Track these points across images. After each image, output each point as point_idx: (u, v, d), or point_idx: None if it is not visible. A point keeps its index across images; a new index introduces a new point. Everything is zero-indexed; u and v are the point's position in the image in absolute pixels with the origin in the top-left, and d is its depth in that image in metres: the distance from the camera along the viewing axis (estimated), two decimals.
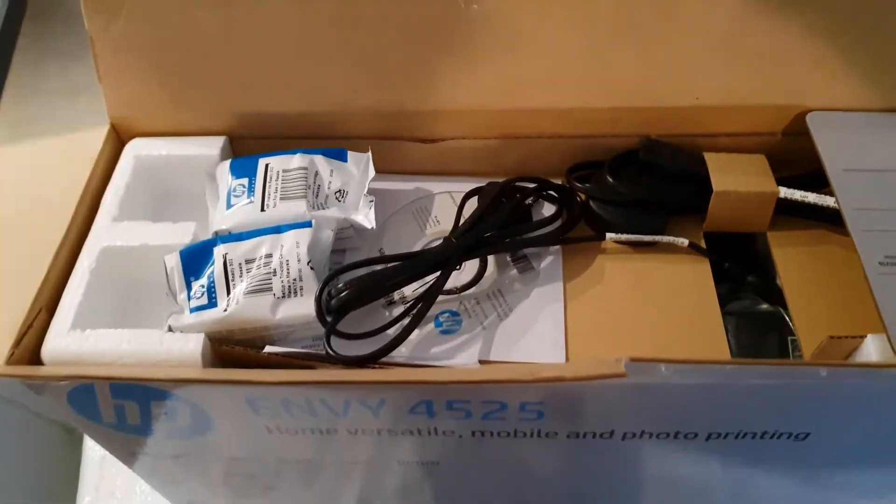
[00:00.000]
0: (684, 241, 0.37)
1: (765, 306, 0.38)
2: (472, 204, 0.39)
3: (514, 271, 0.38)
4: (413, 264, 0.35)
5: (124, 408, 0.33)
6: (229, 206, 0.36)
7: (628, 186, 0.38)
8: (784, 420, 0.31)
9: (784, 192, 0.36)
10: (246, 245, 0.34)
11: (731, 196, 0.37)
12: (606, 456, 0.35)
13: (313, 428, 0.33)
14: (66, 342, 0.33)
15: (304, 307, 0.33)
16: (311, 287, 0.34)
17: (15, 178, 0.40)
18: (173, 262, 0.34)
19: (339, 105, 0.39)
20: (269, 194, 0.36)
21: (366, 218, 0.36)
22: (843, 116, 0.37)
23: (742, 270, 0.38)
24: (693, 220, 0.38)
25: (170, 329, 0.33)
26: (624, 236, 0.37)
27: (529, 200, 0.39)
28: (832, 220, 0.36)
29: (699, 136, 0.39)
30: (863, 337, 0.30)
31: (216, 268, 0.34)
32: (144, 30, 0.37)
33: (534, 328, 0.35)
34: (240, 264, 0.34)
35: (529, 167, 0.40)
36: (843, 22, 0.35)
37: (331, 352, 0.32)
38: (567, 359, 0.34)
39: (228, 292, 0.33)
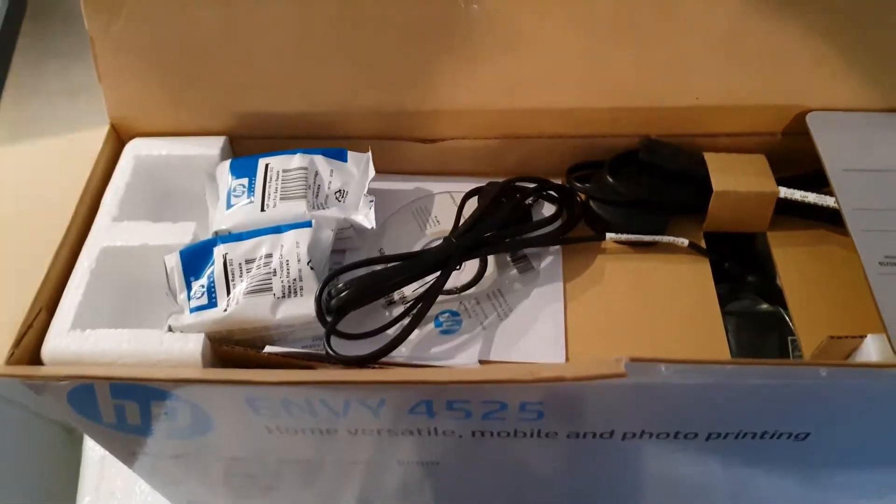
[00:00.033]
0: (684, 241, 0.37)
1: (765, 306, 0.38)
2: (472, 204, 0.39)
3: (514, 271, 0.38)
4: (413, 264, 0.35)
5: (124, 408, 0.33)
6: (229, 206, 0.36)
7: (628, 186, 0.38)
8: (784, 420, 0.31)
9: (784, 192, 0.36)
10: (246, 245, 0.34)
11: (731, 196, 0.37)
12: (606, 456, 0.35)
13: (313, 428, 0.33)
14: (66, 342, 0.33)
15: (304, 307, 0.33)
16: (311, 287, 0.34)
17: (15, 178, 0.40)
18: (173, 262, 0.34)
19: (339, 105, 0.39)
20: (269, 194, 0.36)
21: (366, 218, 0.36)
22: (843, 116, 0.37)
23: (742, 270, 0.38)
24: (693, 220, 0.38)
25: (170, 329, 0.33)
26: (624, 236, 0.37)
27: (529, 200, 0.39)
28: (832, 220, 0.36)
29: (699, 136, 0.39)
30: (863, 337, 0.30)
31: (216, 268, 0.34)
32: (144, 30, 0.37)
33: (534, 328, 0.35)
34: (240, 264, 0.34)
35: (529, 167, 0.40)
36: (843, 22, 0.35)
37: (331, 352, 0.32)
38: (567, 359, 0.34)
39: (228, 292, 0.33)
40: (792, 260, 0.37)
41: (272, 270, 0.34)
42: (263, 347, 0.33)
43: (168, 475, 0.40)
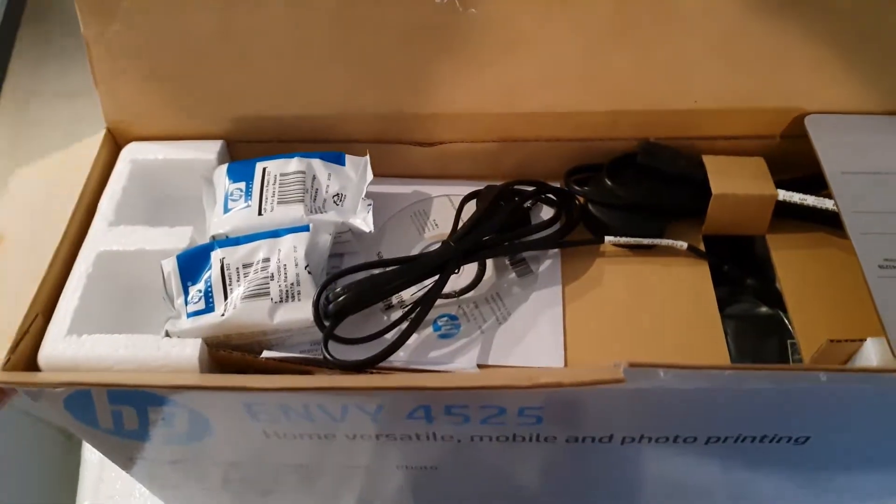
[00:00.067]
0: (683, 245, 0.37)
1: (764, 309, 0.38)
2: (471, 207, 0.39)
3: (513, 275, 0.37)
4: (411, 268, 0.35)
5: (121, 413, 0.33)
6: (226, 210, 0.36)
7: (627, 189, 0.38)
8: (784, 424, 0.31)
9: (783, 194, 0.36)
10: (243, 249, 0.34)
11: (729, 199, 0.37)
12: (605, 460, 0.35)
13: (311, 433, 0.33)
14: (62, 347, 0.32)
15: (301, 312, 0.33)
16: (309, 291, 0.33)
17: (12, 181, 0.39)
18: (170, 266, 0.34)
19: (337, 108, 0.39)
20: (267, 198, 0.36)
21: (364, 222, 0.36)
22: (841, 119, 0.37)
23: (741, 273, 0.38)
24: (692, 224, 0.38)
25: (167, 334, 0.33)
26: (623, 239, 0.37)
27: (528, 204, 0.39)
28: (831, 222, 0.36)
29: (698, 139, 0.39)
30: (862, 340, 0.30)
31: (213, 272, 0.34)
32: (140, 34, 0.37)
33: (532, 332, 0.35)
34: (237, 269, 0.34)
35: (528, 170, 0.40)
36: (842, 24, 0.35)
37: (329, 356, 0.32)
38: (566, 363, 0.34)
39: (226, 297, 0.33)
40: (791, 263, 0.37)
41: (270, 275, 0.33)
42: (261, 352, 0.33)
43: (166, 480, 0.40)
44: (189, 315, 0.33)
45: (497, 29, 0.36)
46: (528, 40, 0.36)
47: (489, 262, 0.37)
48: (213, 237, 0.36)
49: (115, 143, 0.40)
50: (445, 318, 0.36)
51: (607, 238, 0.37)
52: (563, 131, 0.39)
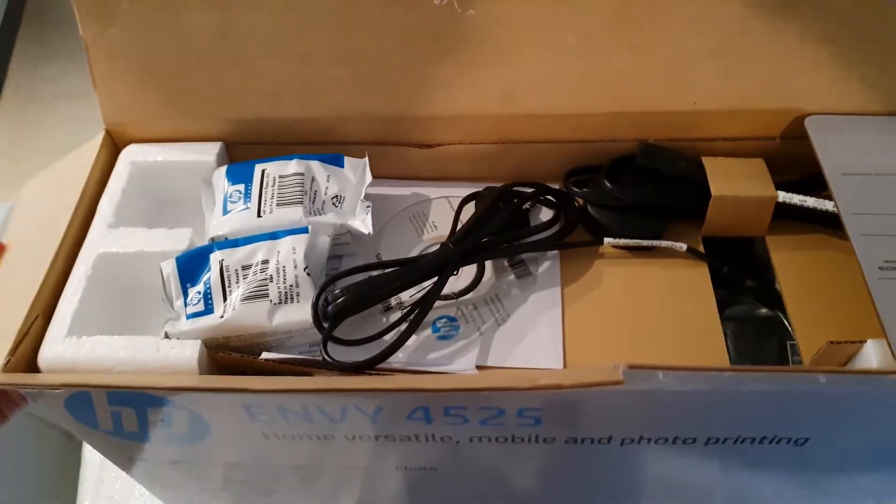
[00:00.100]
0: (682, 246, 0.37)
1: (764, 311, 0.38)
2: (470, 209, 0.39)
3: (512, 276, 0.37)
4: (410, 270, 0.35)
5: (121, 414, 0.33)
6: (225, 212, 0.36)
7: (626, 191, 0.38)
8: (783, 425, 0.31)
9: (783, 196, 0.36)
10: (242, 251, 0.34)
11: (729, 200, 0.37)
12: (605, 461, 0.35)
13: (311, 434, 0.33)
14: (62, 349, 0.33)
15: (300, 313, 0.33)
16: (308, 293, 0.33)
17: (11, 183, 0.39)
18: (169, 268, 0.34)
19: (336, 110, 0.39)
20: (266, 200, 0.36)
21: (362, 223, 0.36)
22: (841, 120, 0.37)
23: (741, 275, 0.38)
24: (691, 225, 0.38)
25: (166, 336, 0.33)
26: (622, 241, 0.37)
27: (527, 205, 0.39)
28: (831, 224, 0.36)
29: (697, 141, 0.39)
30: (862, 342, 0.30)
31: (212, 274, 0.34)
32: (139, 36, 0.37)
33: (531, 333, 0.35)
34: (236, 270, 0.34)
35: (527, 172, 0.40)
36: (842, 25, 0.35)
37: (328, 358, 0.32)
38: (565, 364, 0.34)
39: (225, 299, 0.33)
40: (791, 264, 0.37)
41: (269, 276, 0.33)
42: (260, 353, 0.33)
43: (166, 480, 0.40)
44: (188, 317, 0.33)
45: (496, 30, 0.36)
46: (526, 42, 0.36)
47: (488, 264, 0.37)
48: (213, 239, 0.36)
49: (114, 145, 0.40)
50: (444, 320, 0.36)
51: (606, 240, 0.37)
52: (562, 133, 0.39)
